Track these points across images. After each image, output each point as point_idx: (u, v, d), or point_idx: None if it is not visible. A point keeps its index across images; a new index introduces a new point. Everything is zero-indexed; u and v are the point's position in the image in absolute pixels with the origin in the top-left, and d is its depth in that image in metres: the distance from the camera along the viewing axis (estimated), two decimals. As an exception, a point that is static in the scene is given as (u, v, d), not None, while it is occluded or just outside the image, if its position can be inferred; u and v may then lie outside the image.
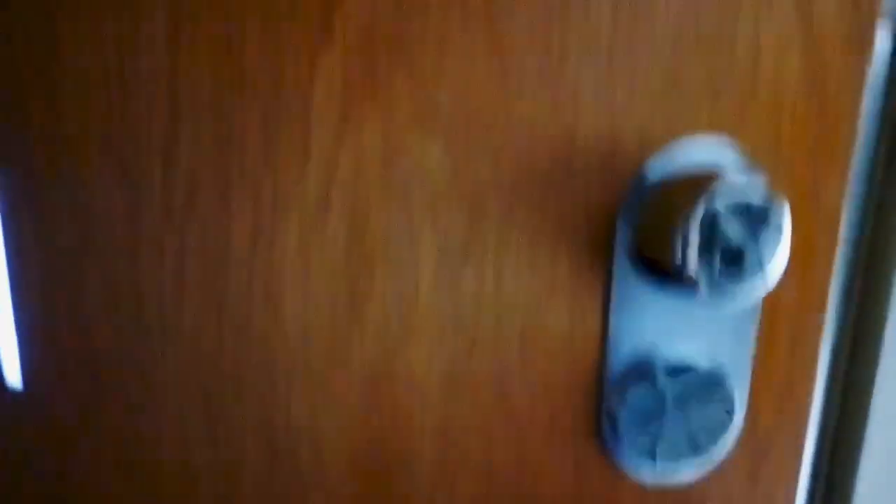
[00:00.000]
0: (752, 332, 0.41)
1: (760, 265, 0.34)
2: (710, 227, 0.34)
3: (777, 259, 0.35)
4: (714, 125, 0.36)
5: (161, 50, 0.32)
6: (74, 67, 0.33)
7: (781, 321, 0.40)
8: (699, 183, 0.34)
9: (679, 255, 0.33)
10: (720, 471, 0.42)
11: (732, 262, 0.33)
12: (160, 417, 0.37)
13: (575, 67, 0.34)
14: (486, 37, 0.33)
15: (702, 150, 0.37)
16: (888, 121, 0.40)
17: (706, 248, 0.33)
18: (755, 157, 0.37)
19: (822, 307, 0.41)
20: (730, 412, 0.41)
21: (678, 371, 0.39)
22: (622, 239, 0.37)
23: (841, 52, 0.37)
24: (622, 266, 0.38)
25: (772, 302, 0.40)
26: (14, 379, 0.35)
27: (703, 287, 0.33)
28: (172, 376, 0.37)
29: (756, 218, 0.34)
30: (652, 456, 0.40)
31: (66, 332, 0.35)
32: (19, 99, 0.33)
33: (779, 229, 0.34)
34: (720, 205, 0.33)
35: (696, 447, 0.41)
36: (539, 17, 0.34)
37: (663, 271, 0.36)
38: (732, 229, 0.33)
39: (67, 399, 0.36)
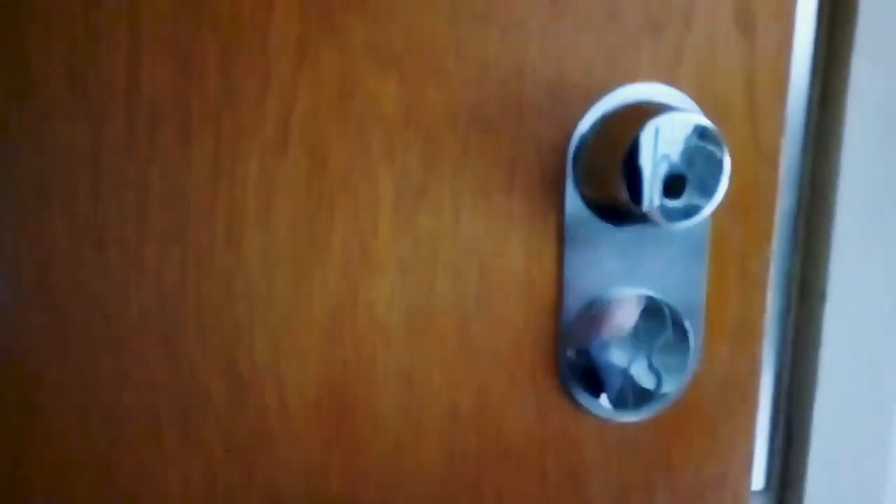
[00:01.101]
0: (702, 268, 0.43)
1: (702, 187, 0.36)
2: (651, 155, 0.36)
3: (719, 182, 0.37)
4: (654, 64, 0.39)
5: (122, -14, 0.34)
6: (36, 2, 0.34)
7: (730, 258, 0.43)
8: (640, 115, 0.37)
9: (622, 184, 0.35)
10: (678, 408, 0.43)
11: (674, 188, 0.35)
12: (123, 358, 0.37)
13: (520, 7, 0.37)
14: (436, -26, 0.36)
15: (642, 89, 0.39)
16: (820, 60, 0.43)
17: (649, 176, 0.35)
18: (693, 97, 0.39)
19: (767, 243, 0.43)
20: (685, 348, 0.42)
21: (634, 306, 0.41)
22: (572, 176, 0.39)
23: (770, -4, 0.40)
24: (574, 204, 0.40)
25: (719, 240, 0.42)
26: (-27, 309, 0.36)
27: (646, 212, 0.35)
28: (135, 316, 0.37)
29: (696, 142, 0.36)
30: (610, 393, 0.42)
31: (26, 269, 0.36)
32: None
33: (718, 150, 0.37)
34: (661, 132, 0.35)
35: (653, 384, 0.42)
36: (486, -44, 0.36)
37: (611, 206, 0.38)
38: (673, 154, 0.36)
39: (29, 339, 0.36)
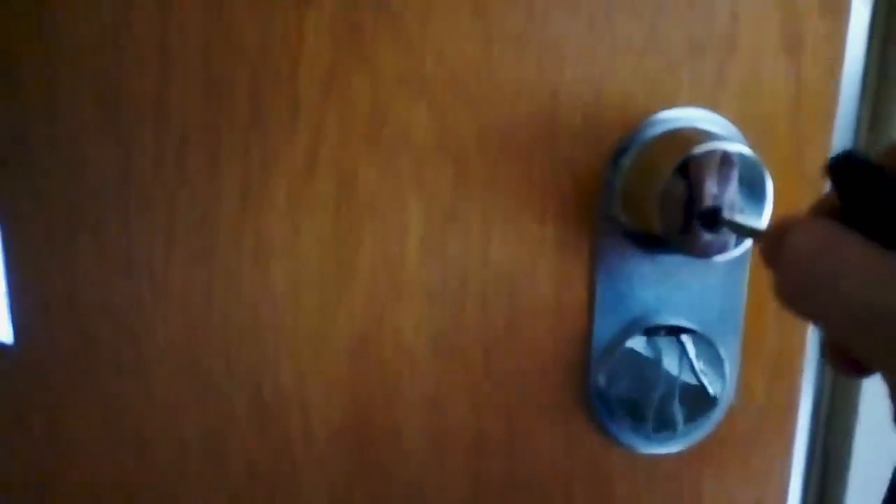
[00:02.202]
0: (741, 299, 0.42)
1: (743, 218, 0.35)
2: (690, 186, 0.35)
3: (762, 213, 0.36)
4: (695, 88, 0.38)
5: (152, 9, 0.34)
6: (68, 28, 0.34)
7: (770, 288, 0.41)
8: (679, 143, 0.36)
9: (660, 215, 0.35)
10: (712, 439, 0.42)
11: (712, 219, 0.35)
12: (149, 380, 0.38)
13: (557, 30, 0.36)
14: (469, -2, 0.35)
15: (683, 115, 0.38)
16: (870, 84, 0.42)
17: (686, 207, 0.35)
18: (735, 121, 0.38)
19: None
20: (720, 380, 0.42)
21: (667, 336, 0.40)
22: (607, 203, 0.39)
23: (818, 17, 0.38)
24: (608, 231, 0.39)
25: (759, 269, 0.41)
26: (5, 334, 0.36)
27: (683, 244, 0.35)
28: (161, 338, 0.38)
29: (735, 174, 0.35)
30: (641, 424, 0.41)
31: (56, 290, 0.36)
32: (10, 60, 0.35)
33: (760, 183, 0.36)
34: (700, 163, 0.35)
35: (686, 415, 0.41)
36: (521, -22, 0.35)
37: (647, 234, 0.37)
38: (712, 186, 0.35)
39: (58, 359, 0.37)
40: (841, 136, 0.41)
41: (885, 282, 0.21)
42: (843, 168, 0.23)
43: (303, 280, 0.38)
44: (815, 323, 0.23)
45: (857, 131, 0.42)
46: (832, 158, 0.23)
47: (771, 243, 0.24)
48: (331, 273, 0.38)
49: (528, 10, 0.36)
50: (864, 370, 0.25)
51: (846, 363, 0.25)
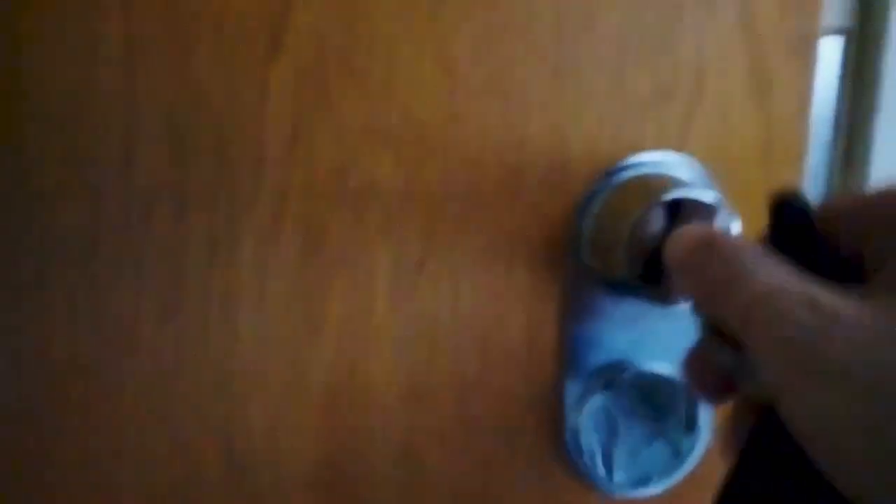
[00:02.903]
0: (715, 340, 0.42)
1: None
2: (657, 233, 0.35)
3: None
4: (662, 133, 0.38)
5: (117, 67, 0.34)
6: (33, 87, 0.34)
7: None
8: (644, 190, 0.36)
9: (627, 263, 0.35)
10: (689, 482, 0.42)
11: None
12: (120, 435, 0.38)
13: (521, 80, 0.36)
14: (433, 51, 0.35)
15: (650, 160, 0.38)
16: (842, 126, 0.42)
17: (653, 254, 0.35)
18: (704, 166, 0.38)
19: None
20: (696, 423, 0.41)
21: (640, 381, 0.40)
22: (576, 250, 0.39)
23: (785, 58, 0.39)
24: (578, 276, 0.39)
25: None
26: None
27: (649, 292, 0.35)
28: (131, 394, 0.38)
29: (703, 220, 0.35)
30: (616, 468, 0.41)
31: (27, 347, 0.37)
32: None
33: (727, 227, 0.36)
34: (666, 210, 0.35)
35: (662, 459, 0.41)
36: (483, 30, 0.35)
37: (617, 280, 0.37)
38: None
39: (29, 416, 0.37)
40: (813, 178, 0.41)
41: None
42: (781, 209, 0.26)
43: (272, 333, 0.38)
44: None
45: (829, 171, 0.42)
46: (778, 196, 0.25)
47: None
48: (300, 326, 0.38)
49: (492, 61, 0.36)
50: (723, 392, 0.26)
51: (709, 381, 0.26)
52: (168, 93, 0.35)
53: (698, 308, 0.27)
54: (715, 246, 0.25)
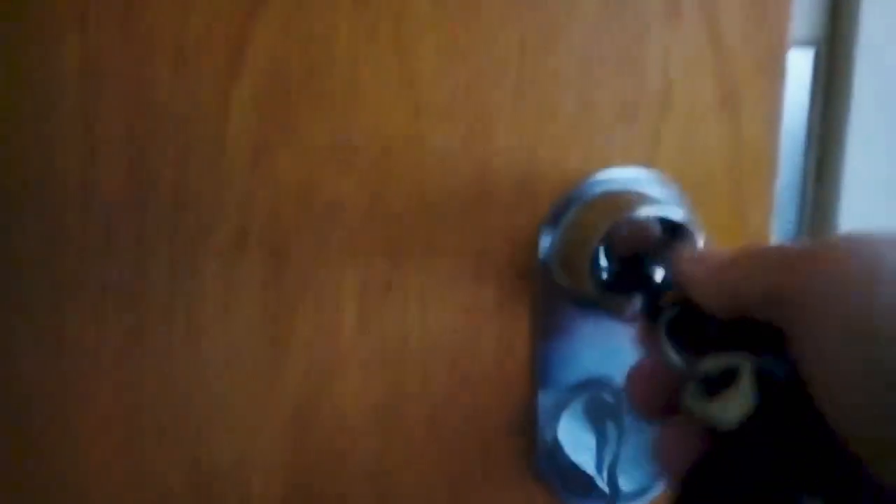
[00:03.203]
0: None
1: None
2: (621, 251, 0.35)
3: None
4: (629, 150, 0.38)
5: (73, 90, 0.34)
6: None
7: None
8: (610, 207, 0.36)
9: (589, 279, 0.34)
10: (664, 499, 0.42)
11: (641, 284, 0.34)
12: (85, 460, 0.37)
13: (485, 99, 0.36)
14: (394, 71, 0.35)
15: (618, 177, 0.38)
16: (813, 138, 0.41)
17: (618, 272, 0.34)
18: (673, 183, 0.38)
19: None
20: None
21: (613, 398, 0.40)
22: (545, 267, 0.38)
23: (754, 74, 0.38)
24: (548, 294, 0.39)
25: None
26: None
27: (614, 309, 0.34)
28: (95, 418, 0.37)
29: (668, 237, 0.35)
30: (591, 488, 0.40)
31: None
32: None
33: (693, 246, 0.35)
34: (631, 227, 0.34)
35: (636, 475, 0.41)
36: (445, 50, 0.35)
37: (585, 296, 0.37)
38: (643, 250, 0.34)
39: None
40: (785, 193, 0.41)
41: None
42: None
43: (236, 356, 0.37)
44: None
45: (802, 185, 0.42)
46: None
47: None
48: (265, 348, 0.37)
49: (456, 80, 0.36)
50: (664, 412, 0.26)
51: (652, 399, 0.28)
52: (127, 114, 0.34)
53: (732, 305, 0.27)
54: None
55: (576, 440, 0.40)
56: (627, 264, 0.35)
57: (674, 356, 0.28)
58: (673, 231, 0.35)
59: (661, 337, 0.29)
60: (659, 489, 0.42)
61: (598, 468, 0.40)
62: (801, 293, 0.22)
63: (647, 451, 0.40)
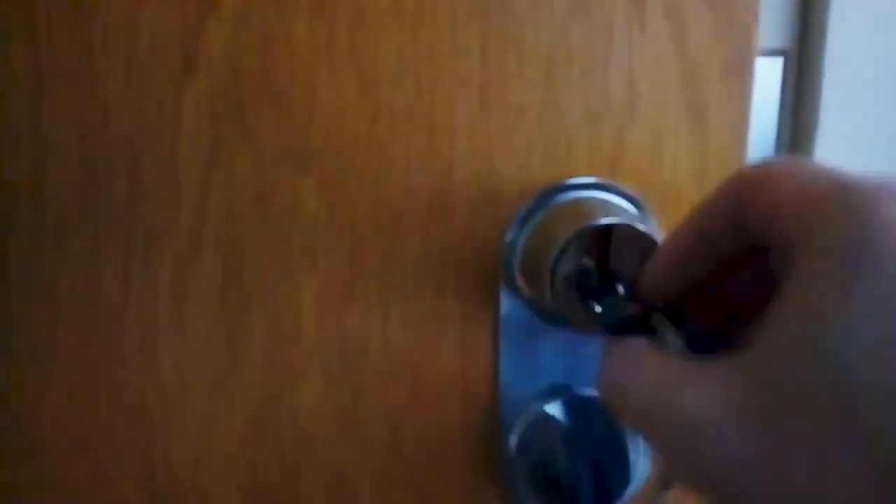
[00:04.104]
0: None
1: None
2: (579, 263, 0.34)
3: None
4: (593, 157, 0.37)
5: (25, 89, 0.33)
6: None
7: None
8: (570, 217, 0.35)
9: (549, 288, 0.34)
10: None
11: (601, 294, 0.33)
12: (40, 468, 0.37)
13: (446, 105, 0.35)
14: (353, 74, 0.34)
15: (581, 184, 0.37)
16: (782, 147, 0.41)
17: (578, 282, 0.34)
18: (636, 191, 0.37)
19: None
20: (635, 449, 0.40)
21: (576, 408, 0.39)
22: (507, 275, 0.37)
23: (720, 80, 0.38)
24: (510, 302, 0.38)
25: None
26: None
27: (574, 319, 0.34)
28: (49, 427, 0.37)
29: (631, 248, 0.34)
30: (555, 498, 0.40)
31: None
32: None
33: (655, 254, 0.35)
34: (591, 238, 0.34)
35: (601, 488, 0.40)
36: (407, 53, 0.34)
37: (546, 305, 0.36)
38: (601, 260, 0.34)
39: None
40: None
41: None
42: None
43: (192, 362, 0.36)
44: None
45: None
46: None
47: None
48: (221, 354, 0.36)
49: (416, 83, 0.35)
50: None
51: None
52: (77, 114, 0.33)
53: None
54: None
55: (538, 447, 0.40)
56: (588, 274, 0.34)
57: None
58: (634, 240, 0.34)
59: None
60: (624, 501, 0.41)
61: (562, 475, 0.40)
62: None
63: (615, 457, 0.40)
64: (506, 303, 0.38)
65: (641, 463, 0.40)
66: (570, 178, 0.37)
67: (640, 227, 0.34)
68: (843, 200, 0.20)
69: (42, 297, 0.35)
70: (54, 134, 0.33)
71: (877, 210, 0.19)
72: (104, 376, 0.36)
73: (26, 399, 0.36)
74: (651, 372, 0.24)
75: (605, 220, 0.34)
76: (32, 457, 0.37)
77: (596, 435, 0.40)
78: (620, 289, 0.34)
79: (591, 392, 0.40)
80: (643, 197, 0.38)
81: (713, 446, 0.21)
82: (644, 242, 0.35)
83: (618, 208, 0.37)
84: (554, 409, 0.40)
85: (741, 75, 0.38)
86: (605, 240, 0.35)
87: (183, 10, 0.32)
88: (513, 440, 0.40)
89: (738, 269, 0.27)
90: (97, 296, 0.35)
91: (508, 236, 0.37)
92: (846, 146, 0.39)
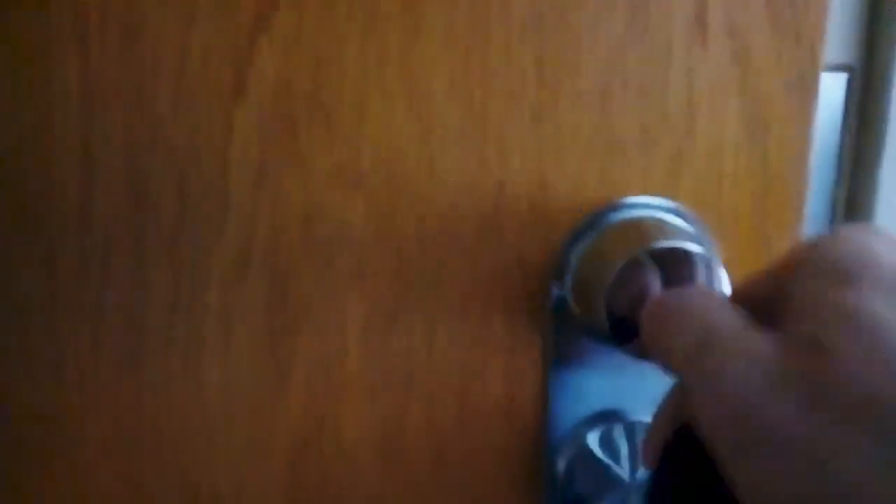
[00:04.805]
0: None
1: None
2: (640, 283, 0.33)
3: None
4: (649, 177, 0.36)
5: (73, 109, 0.32)
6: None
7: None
8: (626, 238, 0.34)
9: (603, 314, 0.32)
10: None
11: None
12: (84, 487, 0.36)
13: (499, 124, 0.34)
14: (404, 95, 0.33)
15: (636, 205, 0.36)
16: (844, 168, 0.39)
17: (632, 307, 0.32)
18: (694, 213, 0.36)
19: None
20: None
21: (626, 434, 0.38)
22: (558, 297, 0.36)
23: (783, 98, 0.36)
24: (560, 324, 0.37)
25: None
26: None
27: (628, 347, 0.32)
28: (93, 445, 0.36)
29: (690, 273, 0.33)
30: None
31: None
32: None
33: (715, 282, 0.33)
34: (648, 262, 0.32)
35: None
36: (459, 72, 0.33)
37: (598, 330, 0.35)
38: (657, 288, 0.32)
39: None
40: (812, 225, 0.38)
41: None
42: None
43: (236, 383, 0.36)
44: None
45: (831, 217, 0.40)
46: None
47: None
48: (266, 375, 0.36)
49: (468, 103, 0.34)
50: None
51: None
52: (127, 135, 0.33)
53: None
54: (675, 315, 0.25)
55: (586, 475, 0.39)
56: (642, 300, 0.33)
57: None
58: (693, 264, 0.33)
59: None
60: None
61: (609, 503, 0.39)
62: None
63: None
64: (555, 326, 0.37)
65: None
66: (625, 197, 0.36)
67: (698, 249, 0.33)
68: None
69: (87, 319, 0.35)
70: (103, 154, 0.33)
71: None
72: (148, 396, 0.36)
73: (72, 419, 0.36)
74: (715, 314, 0.24)
75: (661, 244, 0.33)
76: (77, 477, 0.36)
77: (642, 460, 0.39)
78: None
79: (643, 418, 0.38)
80: (701, 217, 0.36)
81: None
82: (702, 265, 0.34)
83: (675, 229, 0.35)
84: (602, 435, 0.38)
85: (805, 93, 0.36)
86: (661, 262, 0.34)
87: (234, 30, 0.32)
88: (560, 467, 0.39)
89: None
90: (143, 318, 0.35)
91: (559, 258, 0.36)
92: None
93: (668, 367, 0.26)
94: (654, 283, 0.33)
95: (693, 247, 0.33)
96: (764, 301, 0.25)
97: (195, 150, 0.33)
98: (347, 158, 0.34)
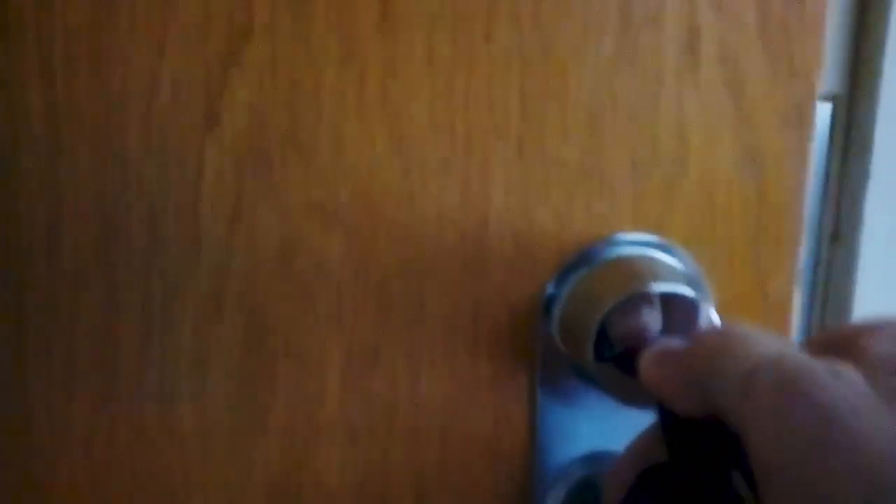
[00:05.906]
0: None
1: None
2: (630, 324, 0.31)
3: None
4: (639, 211, 0.34)
5: (40, 145, 0.31)
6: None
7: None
8: (614, 278, 0.32)
9: (591, 357, 0.31)
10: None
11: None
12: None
13: (482, 157, 0.32)
14: (384, 128, 0.32)
15: (626, 240, 0.34)
16: (830, 199, 0.37)
17: (621, 350, 0.31)
18: (687, 246, 0.34)
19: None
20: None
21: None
22: (545, 335, 0.34)
23: (779, 129, 0.34)
24: (548, 363, 0.35)
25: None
26: None
27: (616, 390, 0.31)
28: (64, 488, 0.34)
29: (680, 309, 0.31)
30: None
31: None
32: None
33: (706, 321, 0.31)
34: (637, 306, 0.31)
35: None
36: (440, 103, 0.32)
37: (586, 369, 0.33)
38: (652, 329, 0.31)
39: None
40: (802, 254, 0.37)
41: None
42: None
43: (213, 424, 0.34)
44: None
45: (816, 247, 0.38)
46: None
47: None
48: (243, 416, 0.34)
49: (450, 135, 0.32)
50: None
51: None
52: (95, 167, 0.31)
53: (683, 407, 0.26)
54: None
55: (576, 518, 0.37)
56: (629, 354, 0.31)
57: None
58: (687, 308, 0.31)
59: None
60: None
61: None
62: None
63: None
64: (542, 365, 0.35)
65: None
66: (615, 233, 0.34)
67: (689, 292, 0.31)
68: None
69: (58, 356, 0.33)
70: (71, 187, 0.31)
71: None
72: (122, 438, 0.34)
73: (42, 458, 0.34)
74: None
75: (651, 288, 0.31)
76: (46, 518, 0.35)
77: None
78: None
79: (633, 459, 0.36)
80: (694, 253, 0.35)
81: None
82: (693, 308, 0.32)
83: (665, 267, 0.33)
84: (590, 476, 0.36)
85: (801, 124, 0.34)
86: (651, 305, 0.32)
87: (205, 60, 0.30)
88: (548, 508, 0.37)
89: None
90: (115, 358, 0.33)
91: (547, 295, 0.34)
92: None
93: (686, 407, 0.25)
94: (654, 324, 0.31)
95: (687, 290, 0.31)
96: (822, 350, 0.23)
97: (166, 184, 0.31)
98: (325, 192, 0.32)
